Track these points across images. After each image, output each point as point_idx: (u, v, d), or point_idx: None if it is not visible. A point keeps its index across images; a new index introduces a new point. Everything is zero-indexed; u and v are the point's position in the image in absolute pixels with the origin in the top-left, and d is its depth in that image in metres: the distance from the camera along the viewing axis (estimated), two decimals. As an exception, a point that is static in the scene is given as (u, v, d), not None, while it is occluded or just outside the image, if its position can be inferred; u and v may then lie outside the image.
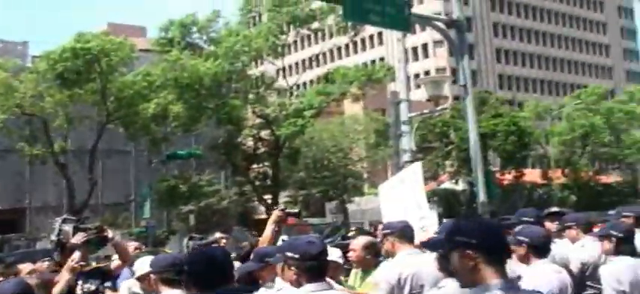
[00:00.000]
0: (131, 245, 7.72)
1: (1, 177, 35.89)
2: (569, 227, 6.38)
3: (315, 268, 3.24)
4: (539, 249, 4.49)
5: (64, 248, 5.89)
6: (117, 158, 38.92)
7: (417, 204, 7.26)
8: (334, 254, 4.77)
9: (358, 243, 5.40)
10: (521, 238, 4.57)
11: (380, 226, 6.72)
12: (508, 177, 36.94)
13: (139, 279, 4.96)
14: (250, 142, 34.17)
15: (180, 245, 20.57)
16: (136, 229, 34.30)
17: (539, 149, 43.29)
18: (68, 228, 5.97)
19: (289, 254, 3.36)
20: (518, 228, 5.10)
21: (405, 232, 4.85)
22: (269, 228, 5.44)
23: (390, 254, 4.92)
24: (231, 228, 34.05)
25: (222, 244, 6.36)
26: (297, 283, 3.34)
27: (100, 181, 36.00)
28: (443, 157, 36.28)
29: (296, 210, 5.93)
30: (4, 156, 34.27)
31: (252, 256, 4.53)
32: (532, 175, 43.09)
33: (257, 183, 34.93)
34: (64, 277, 5.34)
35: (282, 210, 5.66)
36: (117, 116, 27.98)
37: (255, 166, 35.01)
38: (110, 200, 38.70)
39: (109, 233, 6.09)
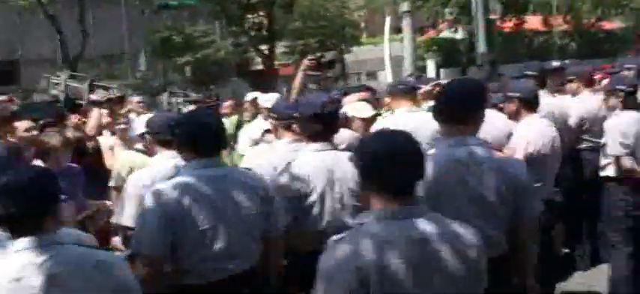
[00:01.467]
0: (134, 99, 7.70)
1: (-9, 29, 35.30)
2: (571, 81, 6.28)
3: (319, 129, 3.40)
4: (530, 103, 4.48)
5: (74, 105, 5.87)
6: (107, 8, 38.01)
7: None
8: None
9: (350, 100, 5.32)
10: (511, 93, 4.55)
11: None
12: (508, 24, 36.33)
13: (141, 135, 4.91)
14: (244, -9, 33.30)
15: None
16: (133, 81, 34.25)
17: (541, -5, 42.31)
18: (78, 84, 5.93)
19: (295, 113, 3.57)
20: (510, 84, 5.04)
21: (406, 90, 4.77)
22: (299, 76, 5.21)
23: (390, 109, 4.96)
24: (228, 79, 34.18)
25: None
26: (305, 141, 3.55)
27: (92, 32, 35.43)
28: (442, 5, 35.43)
29: (329, 58, 5.57)
30: (-7, 7, 33.52)
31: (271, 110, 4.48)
32: (533, 21, 42.41)
33: (253, 33, 34.42)
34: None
35: (313, 59, 5.33)
36: (105, -37, 27.06)
37: (249, 16, 34.33)
38: (104, 52, 38.30)
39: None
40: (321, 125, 3.45)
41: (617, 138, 4.95)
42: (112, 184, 4.82)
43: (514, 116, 4.45)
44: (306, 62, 5.25)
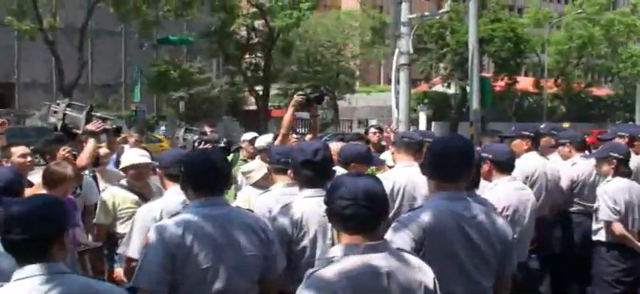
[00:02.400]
0: (133, 136, 7.74)
1: (-11, 50, 35.36)
2: (563, 144, 6.40)
3: (313, 174, 3.45)
4: (502, 165, 4.51)
5: (69, 133, 5.86)
6: (107, 39, 38.31)
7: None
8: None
9: (336, 147, 5.38)
10: (485, 154, 4.62)
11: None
12: (500, 83, 36.86)
13: (124, 170, 4.94)
14: (244, 32, 33.65)
15: (170, 132, 20.54)
16: (126, 113, 34.28)
17: (534, 57, 43.03)
18: (77, 114, 5.93)
19: (292, 158, 3.62)
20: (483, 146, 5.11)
21: (404, 144, 4.82)
22: (289, 112, 5.35)
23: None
24: (220, 117, 34.26)
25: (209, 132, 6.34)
26: (298, 186, 3.60)
27: (90, 61, 35.58)
28: (437, 60, 35.99)
29: (319, 93, 5.68)
30: (-9, 30, 33.65)
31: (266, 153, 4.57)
32: (525, 82, 43.03)
33: (248, 73, 34.69)
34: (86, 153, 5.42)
35: (302, 94, 5.48)
36: (108, -5, 27.35)
37: (247, 56, 34.64)
38: (100, 81, 38.41)
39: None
40: (312, 172, 3.50)
41: (609, 204, 5.04)
42: (96, 220, 4.87)
43: (486, 177, 4.52)
44: (296, 98, 5.35)
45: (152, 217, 3.67)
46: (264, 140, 6.61)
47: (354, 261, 2.35)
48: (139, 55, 34.35)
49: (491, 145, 5.17)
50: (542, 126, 7.38)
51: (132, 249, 3.63)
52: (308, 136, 5.88)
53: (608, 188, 5.12)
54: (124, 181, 4.92)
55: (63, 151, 5.37)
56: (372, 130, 7.94)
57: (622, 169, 5.13)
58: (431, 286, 2.46)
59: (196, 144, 5.58)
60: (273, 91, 35.31)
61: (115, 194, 4.81)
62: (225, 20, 31.30)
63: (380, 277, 2.34)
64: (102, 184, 5.93)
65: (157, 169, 4.15)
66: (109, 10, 28.76)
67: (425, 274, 2.47)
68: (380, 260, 2.37)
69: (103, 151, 6.54)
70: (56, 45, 28.63)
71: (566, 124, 6.68)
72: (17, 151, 5.22)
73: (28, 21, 26.99)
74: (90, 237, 4.97)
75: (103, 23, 34.98)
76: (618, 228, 4.99)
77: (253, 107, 35.94)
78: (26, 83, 37.03)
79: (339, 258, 2.37)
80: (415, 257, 2.52)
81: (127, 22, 31.36)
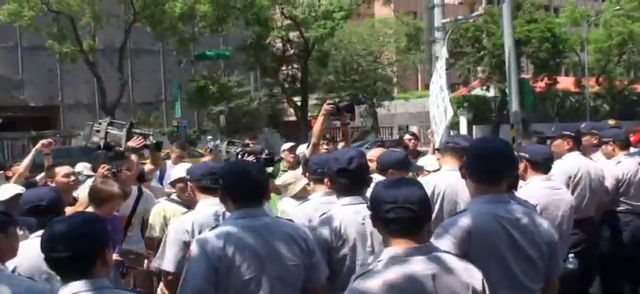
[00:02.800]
0: (175, 152, 7.87)
1: (33, 75, 36.34)
2: (606, 143, 6.26)
3: (349, 183, 3.43)
4: (537, 165, 4.49)
5: (111, 151, 5.98)
6: (145, 58, 39.02)
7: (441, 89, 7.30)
8: None
9: (374, 154, 5.38)
10: (522, 154, 4.64)
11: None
12: (541, 84, 36.24)
13: (172, 184, 5.04)
14: (279, 44, 33.87)
15: (213, 146, 20.77)
16: (168, 129, 34.82)
17: (573, 56, 42.21)
18: (117, 132, 6.05)
19: (328, 167, 3.63)
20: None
21: (449, 149, 4.80)
22: (319, 121, 5.43)
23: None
24: (261, 129, 34.50)
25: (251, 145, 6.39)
26: (335, 195, 3.61)
27: (130, 80, 36.31)
28: (474, 63, 35.57)
29: (347, 103, 5.78)
30: (35, 54, 34.59)
31: (304, 163, 4.66)
32: (565, 82, 42.22)
33: (286, 85, 34.87)
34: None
35: (331, 104, 5.53)
36: (144, 15, 27.79)
37: (284, 68, 34.84)
38: (141, 99, 39.11)
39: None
40: (348, 180, 3.52)
41: None
42: (147, 234, 4.94)
43: (522, 176, 4.48)
44: (325, 107, 5.40)
45: (184, 229, 3.72)
46: (303, 149, 6.64)
47: (400, 266, 2.37)
48: (178, 72, 34.87)
49: (530, 145, 5.12)
50: (582, 125, 7.23)
51: (166, 262, 3.67)
52: (340, 145, 5.90)
53: None
54: (173, 195, 5.00)
55: (102, 169, 5.48)
56: (407, 136, 7.93)
57: None
58: (479, 287, 2.46)
59: (240, 156, 5.63)
60: (311, 101, 35.42)
61: (165, 208, 4.91)
62: (260, 33, 31.56)
63: (426, 280, 2.35)
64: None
65: (189, 182, 4.20)
66: (146, 30, 29.31)
67: (472, 275, 2.47)
68: (425, 263, 2.39)
69: (148, 167, 6.67)
70: (97, 66, 29.29)
71: (611, 121, 6.54)
72: (61, 171, 5.36)
73: (68, 44, 27.68)
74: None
75: (140, 42, 35.65)
76: None
77: (293, 118, 36.10)
78: (70, 104, 37.96)
79: (383, 263, 2.39)
80: (461, 259, 2.51)
81: (164, 41, 31.90)
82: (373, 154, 5.45)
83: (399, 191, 2.46)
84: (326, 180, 3.72)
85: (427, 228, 2.52)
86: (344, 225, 3.41)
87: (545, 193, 4.37)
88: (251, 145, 7.21)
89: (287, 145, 7.69)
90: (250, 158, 5.70)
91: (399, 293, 2.31)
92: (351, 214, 3.43)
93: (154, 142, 6.21)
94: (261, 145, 8.71)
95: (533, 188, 4.35)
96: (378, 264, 2.40)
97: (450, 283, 2.39)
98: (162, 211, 4.90)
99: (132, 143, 5.90)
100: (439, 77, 7.37)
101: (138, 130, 6.08)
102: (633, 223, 5.59)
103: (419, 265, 2.37)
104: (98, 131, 6.21)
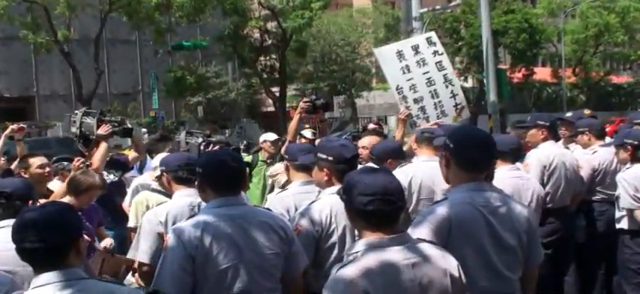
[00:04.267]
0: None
1: (7, 65, 35.72)
2: (582, 133, 6.31)
3: (347, 170, 3.28)
4: (504, 155, 4.46)
5: (86, 140, 5.92)
6: (122, 48, 38.59)
7: (445, 80, 7.13)
8: None
9: (368, 142, 5.40)
10: None
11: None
12: (518, 75, 36.54)
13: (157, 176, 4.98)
14: (257, 34, 33.67)
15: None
16: (145, 119, 34.54)
17: (550, 47, 42.60)
18: (90, 121, 5.98)
19: (323, 156, 3.56)
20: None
21: (425, 139, 4.80)
22: (295, 119, 5.54)
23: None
24: (239, 120, 34.34)
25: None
26: (328, 184, 3.54)
27: (107, 70, 35.89)
28: (453, 54, 35.74)
29: (323, 101, 5.79)
30: (8, 44, 33.97)
31: (284, 151, 4.66)
32: (542, 73, 42.63)
33: (264, 75, 34.72)
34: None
35: (307, 101, 5.61)
36: (119, 5, 27.44)
37: (262, 58, 34.68)
38: (118, 90, 38.72)
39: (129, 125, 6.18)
40: (347, 168, 3.42)
41: (630, 191, 4.97)
42: (130, 225, 4.88)
43: None
44: (301, 105, 5.51)
45: (158, 220, 3.68)
46: (271, 136, 6.61)
47: (378, 255, 2.36)
48: (155, 62, 34.54)
49: (497, 135, 5.14)
50: (568, 114, 7.30)
51: (141, 253, 3.63)
52: (317, 141, 5.90)
53: (628, 175, 5.04)
54: (154, 185, 4.93)
55: (77, 161, 5.40)
56: (371, 126, 8.11)
57: (638, 154, 5.04)
58: (456, 273, 2.47)
59: (203, 147, 5.58)
60: (290, 92, 35.31)
61: (148, 198, 4.84)
62: (238, 23, 31.33)
63: (406, 269, 2.35)
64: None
65: (164, 173, 4.16)
66: (122, 19, 28.96)
67: (449, 262, 2.48)
68: (403, 252, 2.38)
69: (132, 156, 6.62)
70: (72, 56, 28.88)
71: (587, 111, 6.63)
72: (35, 161, 5.26)
73: (43, 34, 27.25)
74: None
75: (117, 32, 35.23)
76: None
77: (271, 109, 35.98)
78: (45, 95, 37.43)
79: (362, 253, 2.38)
80: (437, 247, 2.52)
81: (141, 30, 31.55)
82: (366, 142, 5.47)
83: (377, 182, 2.42)
84: (325, 169, 3.60)
85: (402, 218, 2.51)
86: (334, 214, 3.39)
87: (512, 182, 4.37)
88: (216, 136, 7.19)
89: (269, 137, 7.67)
90: (216, 149, 5.64)
91: (381, 281, 2.30)
92: (341, 203, 3.40)
93: (122, 128, 6.07)
94: (234, 135, 8.67)
95: (500, 177, 4.36)
96: (356, 254, 2.39)
97: (429, 271, 2.39)
98: (145, 200, 4.82)
99: (100, 130, 5.83)
100: (444, 68, 7.14)
101: (106, 118, 6.00)
102: (608, 213, 5.65)
103: (398, 255, 2.36)
104: (74, 121, 6.13)
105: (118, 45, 38.08)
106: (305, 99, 5.70)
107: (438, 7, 17.49)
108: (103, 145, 5.72)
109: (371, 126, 8.09)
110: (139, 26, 29.42)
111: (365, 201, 2.40)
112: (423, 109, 7.07)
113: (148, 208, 4.73)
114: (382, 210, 2.39)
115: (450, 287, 2.43)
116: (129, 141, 6.73)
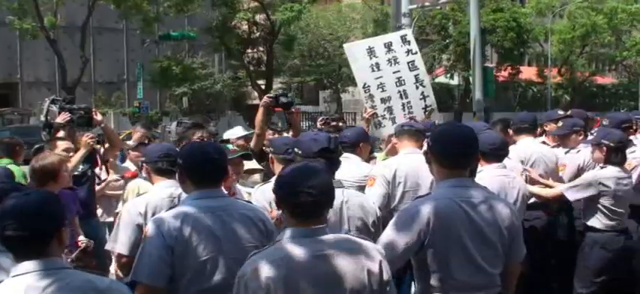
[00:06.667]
0: (139, 131, 7.63)
1: (-9, 50, 35.36)
2: (576, 132, 6.33)
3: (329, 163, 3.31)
4: (488, 155, 4.45)
5: (51, 128, 5.86)
6: (109, 36, 38.29)
7: (416, 81, 6.94)
8: None
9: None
10: None
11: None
12: (504, 73, 36.71)
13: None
14: (245, 27, 33.55)
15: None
16: (130, 109, 34.31)
17: (537, 47, 42.82)
18: (55, 108, 5.91)
19: (297, 150, 3.62)
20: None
21: (405, 132, 4.81)
22: (259, 112, 5.67)
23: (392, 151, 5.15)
24: (224, 112, 34.20)
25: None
26: None
27: (92, 58, 35.57)
28: (440, 50, 35.85)
29: (288, 99, 5.85)
30: (-7, 29, 33.62)
31: (268, 144, 4.69)
32: (528, 72, 42.86)
33: (251, 68, 34.62)
34: (79, 153, 5.52)
35: (271, 97, 5.78)
36: (107, -8, 27.31)
37: (249, 50, 34.58)
38: (103, 79, 38.43)
39: (98, 116, 6.05)
40: (329, 159, 3.40)
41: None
42: (117, 210, 4.85)
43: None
44: (265, 99, 5.69)
45: (137, 211, 3.64)
46: (234, 133, 6.56)
47: (296, 247, 2.42)
48: (141, 52, 34.30)
49: (483, 134, 5.12)
50: (559, 112, 7.36)
51: (120, 245, 3.59)
52: (289, 134, 5.88)
53: (600, 174, 5.02)
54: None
55: (86, 137, 5.51)
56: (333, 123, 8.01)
57: (613, 156, 5.01)
58: (376, 269, 2.49)
59: (176, 126, 5.58)
60: (276, 85, 35.22)
61: (140, 185, 4.83)
62: (226, 15, 31.21)
63: (314, 261, 2.40)
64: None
65: (144, 164, 4.12)
66: (109, 7, 28.74)
67: (370, 257, 2.50)
68: (318, 245, 2.43)
69: (107, 148, 6.55)
70: (58, 43, 28.62)
71: (560, 111, 6.69)
72: (61, 145, 5.40)
73: (29, 20, 26.97)
74: None
75: (104, 21, 34.96)
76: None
77: (257, 102, 35.86)
78: (30, 82, 37.04)
79: (283, 242, 2.46)
80: (363, 240, 2.57)
81: (128, 19, 31.33)
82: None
83: (306, 176, 2.48)
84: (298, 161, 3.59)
85: (327, 212, 2.56)
86: None
87: (497, 180, 4.38)
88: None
89: (235, 132, 7.55)
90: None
91: (298, 268, 2.38)
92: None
93: (80, 116, 5.97)
94: (216, 127, 8.61)
95: (483, 176, 4.36)
96: (275, 243, 2.48)
97: (343, 264, 2.43)
98: (137, 188, 4.81)
99: (58, 118, 5.80)
100: (416, 67, 6.96)
101: (67, 106, 5.94)
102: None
103: (311, 246, 2.42)
104: (42, 109, 6.08)
105: (105, 33, 37.79)
106: (269, 95, 5.85)
107: (427, 3, 17.48)
108: (60, 133, 5.74)
109: (333, 123, 7.96)
110: (126, 15, 29.23)
111: (292, 192, 2.47)
112: (389, 109, 6.81)
113: (138, 195, 4.71)
114: (308, 202, 2.44)
115: (366, 282, 2.45)
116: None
